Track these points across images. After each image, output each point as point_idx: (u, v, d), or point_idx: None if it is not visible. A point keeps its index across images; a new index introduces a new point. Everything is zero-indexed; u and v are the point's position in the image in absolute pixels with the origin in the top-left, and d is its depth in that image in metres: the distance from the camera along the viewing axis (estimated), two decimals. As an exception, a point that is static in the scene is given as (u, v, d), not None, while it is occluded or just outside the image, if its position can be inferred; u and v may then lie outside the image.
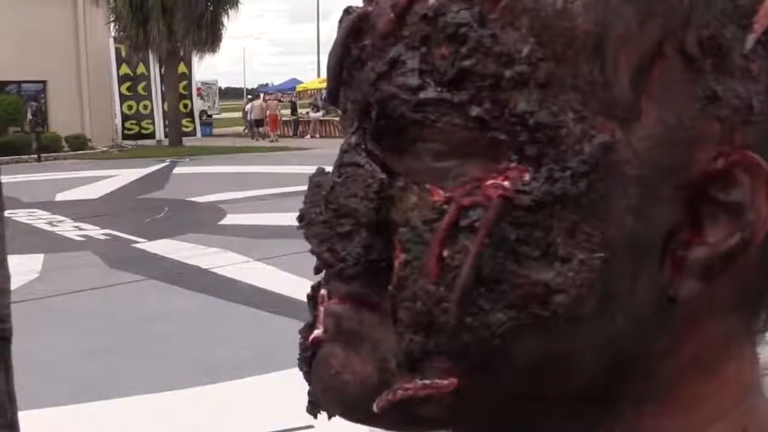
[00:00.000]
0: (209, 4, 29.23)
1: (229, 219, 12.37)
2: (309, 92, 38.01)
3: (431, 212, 0.42)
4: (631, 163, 0.41)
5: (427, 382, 0.42)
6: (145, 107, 31.01)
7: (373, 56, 0.44)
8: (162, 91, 30.75)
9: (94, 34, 28.56)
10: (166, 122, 30.42)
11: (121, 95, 30.38)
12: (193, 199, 14.59)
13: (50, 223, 12.35)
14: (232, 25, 76.05)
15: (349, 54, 0.46)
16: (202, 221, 12.22)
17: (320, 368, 0.46)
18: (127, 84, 30.59)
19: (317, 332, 0.48)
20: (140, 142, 29.97)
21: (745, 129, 0.42)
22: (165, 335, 6.48)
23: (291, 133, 33.51)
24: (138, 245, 10.58)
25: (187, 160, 22.88)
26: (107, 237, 11.39)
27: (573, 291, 0.40)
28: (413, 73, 0.42)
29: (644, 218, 0.41)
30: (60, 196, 15.33)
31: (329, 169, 0.47)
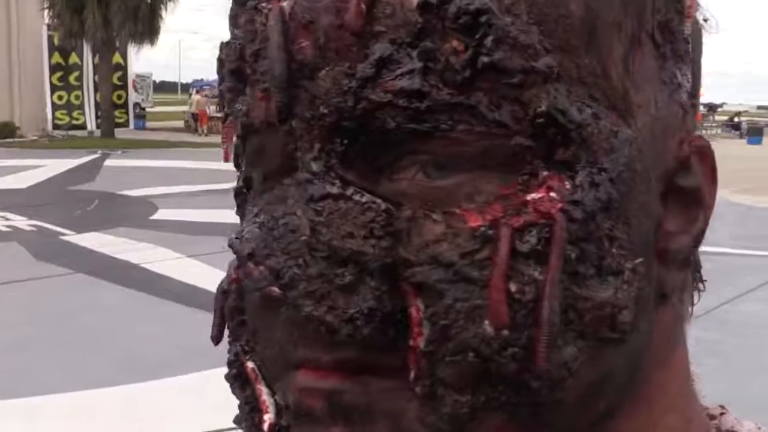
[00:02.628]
0: (147, -6, 28.86)
1: (161, 214, 12.18)
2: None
3: (471, 242, 0.34)
4: (638, 157, 0.38)
5: None
6: (77, 97, 30.45)
7: (332, 60, 0.36)
8: (95, 82, 30.24)
9: (26, 20, 28.02)
10: (99, 113, 29.93)
11: (52, 85, 29.77)
12: (125, 192, 14.34)
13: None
14: (170, 17, 75.01)
15: (294, 57, 0.37)
16: (133, 215, 12.03)
17: None
18: (59, 74, 29.99)
19: (269, 418, 0.40)
20: (71, 132, 29.42)
21: (691, 114, 0.42)
22: (92, 331, 6.37)
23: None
24: (66, 238, 10.39)
25: (120, 152, 22.49)
26: (34, 228, 11.14)
27: (632, 305, 0.36)
28: (414, 74, 0.35)
29: (649, 215, 0.39)
30: (-14, 185, 14.92)
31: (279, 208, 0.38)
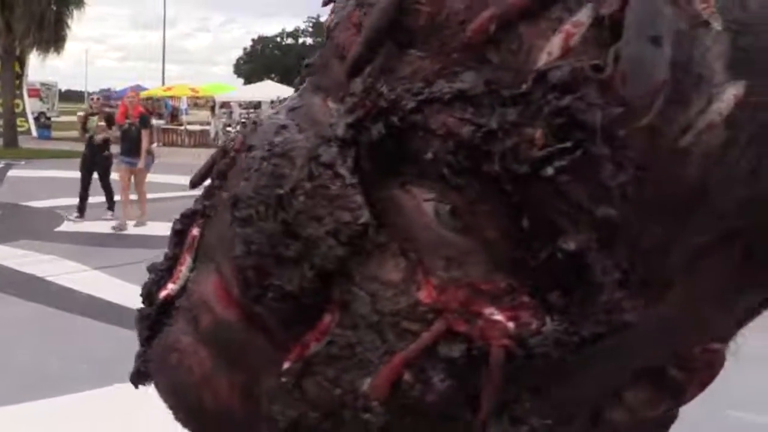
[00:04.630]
0: (53, 2, 28.17)
1: (67, 225, 11.88)
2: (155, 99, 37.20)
3: (410, 311, 0.33)
4: (628, 340, 0.34)
5: None
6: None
7: (430, 47, 0.33)
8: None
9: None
10: (1, 123, 29.04)
11: (-48, 93, 28.81)
12: (29, 203, 13.93)
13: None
14: (76, 26, 73.49)
15: (396, 28, 0.34)
16: (37, 227, 11.70)
17: (172, 361, 0.38)
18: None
19: (172, 288, 0.39)
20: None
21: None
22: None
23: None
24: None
25: (23, 163, 21.87)
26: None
27: None
28: (481, 130, 0.31)
29: (603, 385, 0.37)
30: None
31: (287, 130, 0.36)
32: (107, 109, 12.53)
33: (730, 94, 0.31)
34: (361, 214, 0.33)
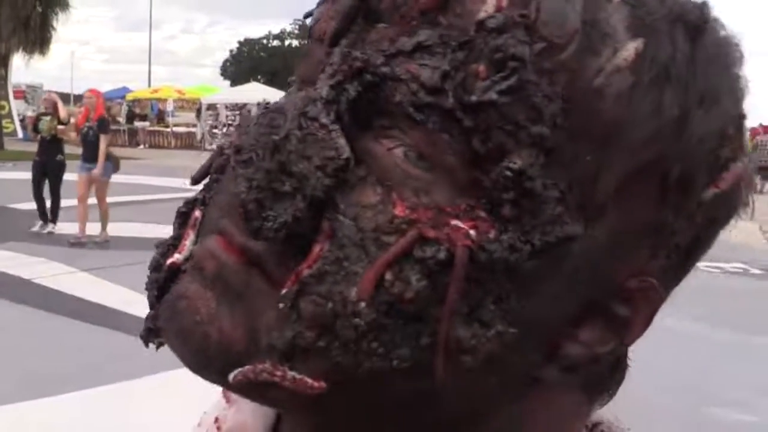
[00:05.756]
0: (38, 4, 28.06)
1: (54, 227, 11.84)
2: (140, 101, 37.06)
3: (387, 225, 0.39)
4: (574, 257, 0.41)
5: (298, 376, 0.40)
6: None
7: (392, 20, 0.41)
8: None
9: None
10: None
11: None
12: (15, 205, 13.88)
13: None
14: (62, 28, 72.99)
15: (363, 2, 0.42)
16: (24, 229, 11.64)
17: (181, 307, 0.43)
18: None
19: (178, 257, 0.45)
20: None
21: (662, 262, 0.44)
22: None
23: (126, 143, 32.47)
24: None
25: (10, 165, 21.76)
26: None
27: (481, 356, 0.40)
28: (437, 71, 0.39)
29: (557, 307, 0.42)
30: None
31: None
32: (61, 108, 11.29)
33: (632, 47, 0.40)
34: (343, 151, 0.40)
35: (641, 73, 0.41)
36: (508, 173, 0.39)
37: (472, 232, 0.39)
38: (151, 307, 0.45)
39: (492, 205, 0.39)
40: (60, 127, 10.90)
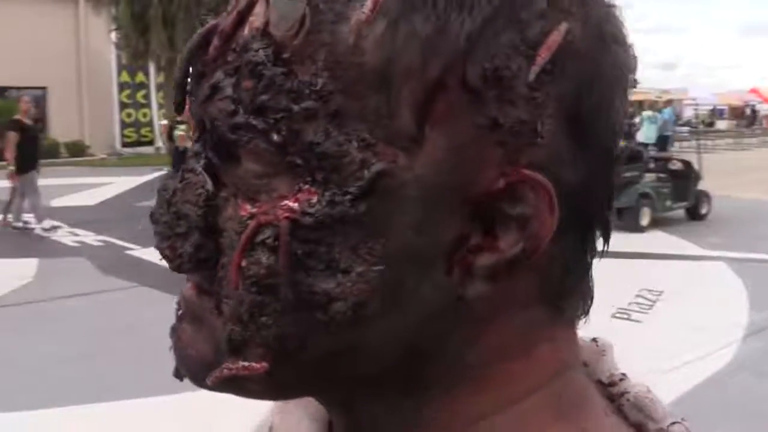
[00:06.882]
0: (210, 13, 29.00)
1: None
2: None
3: (239, 225, 0.47)
4: (411, 185, 0.45)
5: (246, 364, 0.48)
6: (144, 115, 30.73)
7: (208, 73, 0.48)
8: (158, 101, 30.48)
9: (94, 41, 28.48)
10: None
11: (120, 102, 30.12)
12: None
13: (45, 229, 12.26)
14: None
15: (195, 66, 0.50)
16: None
17: (175, 340, 0.53)
18: (127, 92, 30.37)
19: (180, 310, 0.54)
20: (138, 149, 29.82)
21: (531, 150, 0.46)
22: (155, 341, 6.25)
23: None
24: (132, 252, 10.58)
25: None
26: (101, 243, 11.41)
27: (351, 299, 0.45)
28: (228, 100, 0.47)
29: (425, 232, 0.46)
30: (56, 202, 15.12)
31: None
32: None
33: (369, 1, 0.44)
34: (207, 185, 0.49)
35: (389, 14, 0.44)
36: (302, 147, 0.45)
37: (293, 204, 0.45)
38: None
39: (312, 177, 0.45)
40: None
